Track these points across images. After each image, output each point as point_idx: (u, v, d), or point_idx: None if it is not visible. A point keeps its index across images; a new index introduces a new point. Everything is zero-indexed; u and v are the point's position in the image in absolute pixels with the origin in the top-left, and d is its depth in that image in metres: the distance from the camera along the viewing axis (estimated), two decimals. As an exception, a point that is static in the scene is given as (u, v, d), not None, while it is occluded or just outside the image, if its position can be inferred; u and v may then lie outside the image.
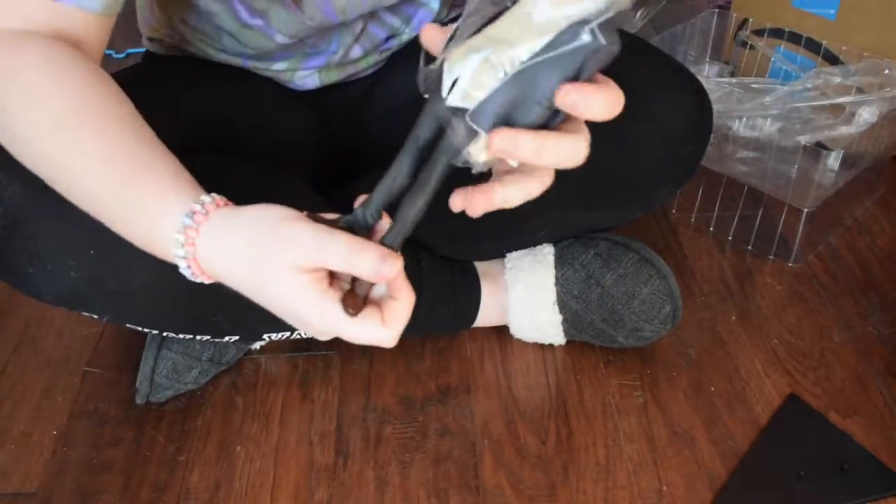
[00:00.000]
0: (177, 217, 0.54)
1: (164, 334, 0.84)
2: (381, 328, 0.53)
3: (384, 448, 0.85)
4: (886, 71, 1.13)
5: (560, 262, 0.91)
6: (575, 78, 0.43)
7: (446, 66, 0.47)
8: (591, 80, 0.44)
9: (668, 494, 0.80)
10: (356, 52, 0.87)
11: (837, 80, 1.13)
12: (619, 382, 0.92)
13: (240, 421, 0.88)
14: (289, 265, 0.50)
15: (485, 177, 0.50)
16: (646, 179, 0.83)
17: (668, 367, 0.93)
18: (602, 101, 0.44)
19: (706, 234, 1.14)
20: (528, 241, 0.92)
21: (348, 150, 0.96)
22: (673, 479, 0.81)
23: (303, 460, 0.84)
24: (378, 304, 0.54)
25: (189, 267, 0.55)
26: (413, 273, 0.88)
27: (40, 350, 0.97)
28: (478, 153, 0.48)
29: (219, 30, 0.82)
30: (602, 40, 0.41)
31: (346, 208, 0.80)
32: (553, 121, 0.46)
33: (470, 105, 0.45)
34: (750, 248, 1.11)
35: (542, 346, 0.96)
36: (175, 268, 0.55)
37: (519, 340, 0.96)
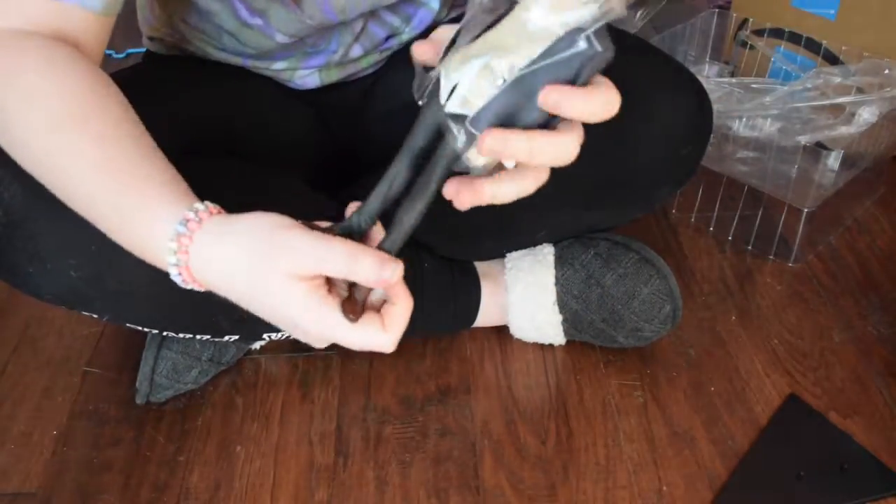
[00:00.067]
0: (170, 224, 0.54)
1: (164, 334, 0.84)
2: (381, 333, 0.53)
3: (384, 448, 0.85)
4: (886, 71, 1.13)
5: (560, 262, 0.91)
6: (571, 83, 0.44)
7: (443, 73, 0.47)
8: (586, 84, 0.44)
9: (668, 494, 0.80)
10: (356, 51, 0.87)
11: (837, 80, 1.13)
12: (619, 382, 0.92)
13: (240, 421, 0.88)
14: (287, 273, 0.50)
15: None
16: (646, 179, 0.83)
17: (668, 367, 0.93)
18: (585, 103, 0.44)
19: (706, 234, 1.14)
20: (528, 241, 0.92)
21: (348, 149, 0.96)
22: (673, 479, 0.81)
23: (303, 460, 0.84)
24: (377, 309, 0.54)
25: (180, 274, 0.55)
26: (414, 273, 0.88)
27: (40, 350, 0.97)
28: (476, 158, 0.48)
29: (219, 29, 0.82)
30: (598, 47, 0.42)
31: (352, 202, 0.80)
32: (551, 125, 0.46)
33: (469, 111, 0.46)
34: (750, 248, 1.11)
35: (542, 346, 0.96)
36: None
37: (519, 340, 0.96)
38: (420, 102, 0.50)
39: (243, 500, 0.80)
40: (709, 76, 1.32)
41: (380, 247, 0.52)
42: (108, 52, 1.45)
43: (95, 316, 0.75)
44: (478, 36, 0.46)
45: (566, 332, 0.93)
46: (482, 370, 0.93)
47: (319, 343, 0.55)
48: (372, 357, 0.94)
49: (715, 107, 0.86)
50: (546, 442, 0.85)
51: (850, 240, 1.13)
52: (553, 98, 0.44)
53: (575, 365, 0.94)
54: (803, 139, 1.06)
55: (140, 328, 0.77)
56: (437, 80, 0.48)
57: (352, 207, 0.54)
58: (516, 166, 0.49)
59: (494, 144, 0.46)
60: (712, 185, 1.12)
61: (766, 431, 0.86)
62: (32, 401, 0.90)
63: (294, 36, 0.81)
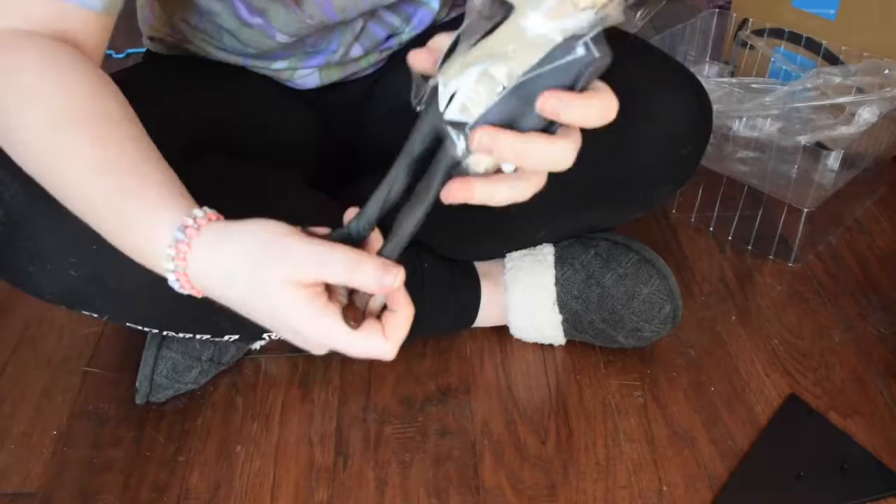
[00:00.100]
0: (168, 231, 0.53)
1: (165, 333, 0.84)
2: (382, 341, 0.52)
3: (384, 448, 0.85)
4: (886, 71, 1.13)
5: (560, 262, 0.91)
6: (570, 89, 0.44)
7: (442, 81, 0.47)
8: (585, 89, 0.44)
9: (668, 494, 0.80)
10: (356, 51, 0.87)
11: (837, 80, 1.13)
12: (619, 382, 0.92)
13: (240, 421, 0.88)
14: (288, 281, 0.50)
15: None
16: (645, 179, 0.83)
17: (668, 367, 0.93)
18: (583, 108, 0.44)
19: (706, 234, 1.14)
20: (527, 241, 0.92)
21: (348, 149, 0.96)
22: (673, 479, 0.81)
23: (303, 460, 0.84)
24: (377, 316, 0.53)
25: (178, 280, 0.54)
26: (414, 273, 0.88)
27: (40, 350, 0.97)
28: (477, 164, 0.49)
29: (219, 28, 0.82)
30: (596, 53, 0.42)
31: (351, 206, 0.80)
32: (550, 131, 0.47)
33: (468, 118, 0.46)
34: (750, 248, 1.11)
35: (542, 346, 0.96)
36: None
37: (519, 340, 0.96)
38: (418, 109, 0.50)
39: (243, 500, 0.80)
40: (709, 76, 1.32)
41: (380, 253, 0.52)
42: (108, 52, 1.45)
43: (96, 315, 0.75)
44: (476, 43, 0.46)
45: (566, 332, 0.93)
46: (482, 370, 0.93)
47: (319, 350, 0.55)
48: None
49: (715, 107, 0.86)
50: (546, 442, 0.85)
51: (850, 240, 1.13)
52: (551, 104, 0.44)
53: (575, 365, 0.94)
54: (803, 139, 1.06)
55: (140, 328, 0.77)
56: (436, 88, 0.48)
57: (350, 213, 0.54)
58: (515, 171, 0.49)
59: (483, 139, 0.46)
60: (712, 185, 1.12)
61: (766, 431, 0.86)
62: (32, 401, 0.90)
63: (294, 35, 0.81)
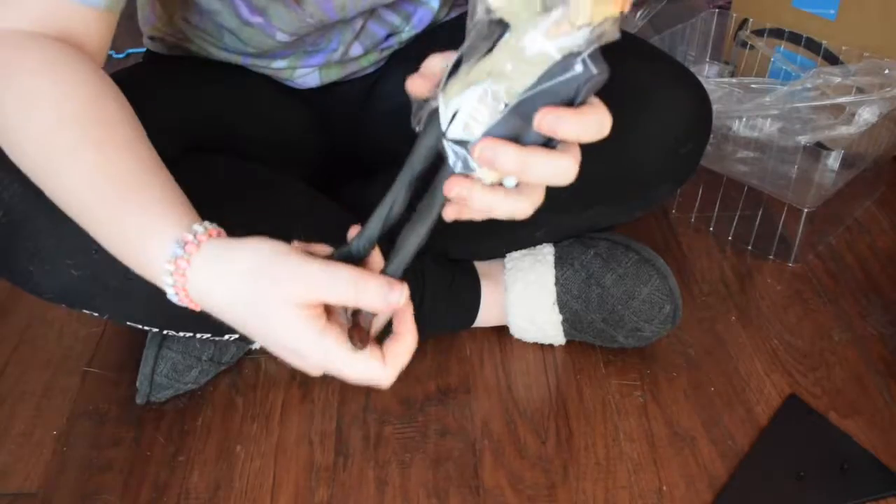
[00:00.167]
0: (167, 246, 0.53)
1: (165, 332, 0.84)
2: (381, 367, 0.52)
3: (384, 448, 0.85)
4: (886, 71, 1.13)
5: (560, 262, 0.91)
6: (569, 105, 0.45)
7: (442, 101, 0.48)
8: (583, 104, 0.45)
9: (668, 494, 0.80)
10: (356, 50, 0.87)
11: (837, 80, 1.13)
12: (619, 382, 0.92)
13: (240, 421, 0.88)
14: (289, 302, 0.49)
15: None
16: (645, 178, 0.83)
17: (668, 367, 0.93)
18: (580, 124, 0.45)
19: (706, 234, 1.14)
20: (527, 240, 0.92)
21: (348, 149, 0.96)
22: (673, 479, 0.81)
23: (303, 460, 0.84)
24: (378, 342, 0.53)
25: (177, 294, 0.54)
26: (414, 273, 0.88)
27: (40, 350, 0.97)
28: (484, 179, 0.49)
29: (220, 27, 0.82)
30: (594, 70, 0.43)
31: (352, 205, 0.81)
32: (550, 146, 0.47)
33: (470, 137, 0.47)
34: (750, 248, 1.11)
35: (542, 346, 0.96)
36: None
37: (519, 340, 0.96)
38: (417, 130, 0.51)
39: (243, 500, 0.80)
40: (709, 76, 1.32)
41: (383, 272, 0.52)
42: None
43: (96, 314, 0.75)
44: (475, 63, 0.47)
45: (566, 332, 0.93)
46: (482, 370, 0.93)
47: (316, 371, 0.54)
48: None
49: (715, 107, 0.86)
50: (546, 442, 0.85)
51: (850, 240, 1.13)
52: (548, 121, 0.45)
53: (575, 365, 0.94)
54: (803, 139, 1.06)
55: (140, 326, 0.77)
56: (436, 108, 0.49)
57: (352, 233, 0.54)
58: (517, 186, 0.49)
59: (486, 152, 0.46)
60: (712, 185, 1.12)
61: (766, 431, 0.86)
62: (32, 401, 0.90)
63: (294, 34, 0.81)
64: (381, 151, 0.91)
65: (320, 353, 0.51)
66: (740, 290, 1.04)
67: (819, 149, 1.07)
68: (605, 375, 0.92)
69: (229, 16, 0.79)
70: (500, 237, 0.92)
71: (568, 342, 0.95)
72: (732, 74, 1.36)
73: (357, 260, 0.53)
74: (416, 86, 0.51)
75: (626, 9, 0.42)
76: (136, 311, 0.75)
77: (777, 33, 1.31)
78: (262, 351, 0.95)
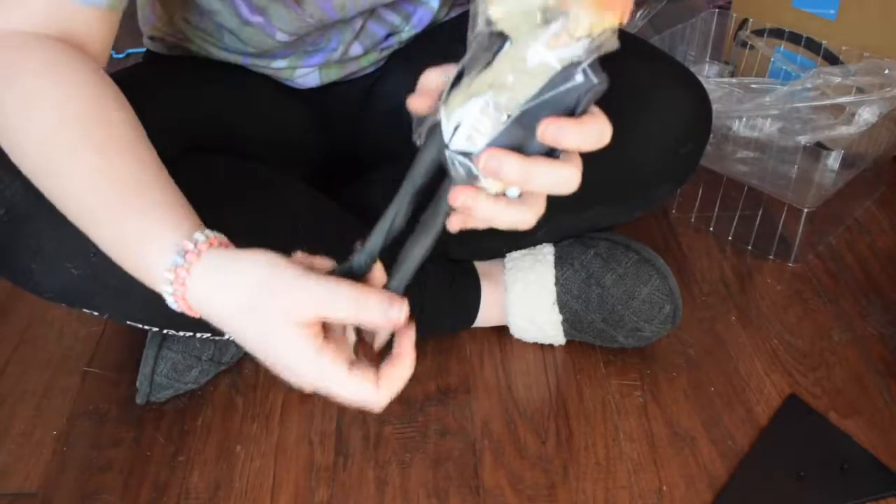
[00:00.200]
0: (168, 254, 0.52)
1: (165, 332, 0.84)
2: (374, 391, 0.51)
3: (384, 448, 0.85)
4: (886, 71, 1.13)
5: (560, 261, 0.91)
6: (570, 114, 0.45)
7: (444, 113, 0.48)
8: (584, 113, 0.46)
9: (667, 494, 0.80)
10: (356, 49, 0.87)
11: (837, 80, 1.13)
12: (619, 382, 0.92)
13: (240, 421, 0.88)
14: (288, 318, 0.49)
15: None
16: (645, 178, 0.83)
17: (668, 367, 0.93)
18: (582, 134, 0.45)
19: (706, 234, 1.14)
20: (527, 240, 0.93)
21: (348, 149, 0.96)
22: (673, 479, 0.81)
23: (303, 460, 0.84)
24: (375, 365, 0.52)
25: (176, 302, 0.54)
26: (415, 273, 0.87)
27: (41, 349, 0.97)
28: (489, 189, 0.49)
29: (220, 27, 0.82)
30: (594, 79, 0.44)
31: (352, 205, 0.80)
32: (552, 156, 0.48)
33: (474, 148, 0.47)
34: (750, 248, 1.11)
35: (542, 346, 0.96)
36: None
37: (519, 340, 0.96)
38: (418, 143, 0.51)
39: (243, 500, 0.80)
40: (709, 76, 1.32)
41: (386, 287, 0.51)
42: (108, 52, 1.45)
43: (96, 313, 0.75)
44: (477, 74, 0.47)
45: (566, 332, 0.93)
46: (482, 370, 0.93)
47: (309, 388, 0.53)
48: (372, 357, 0.94)
49: (715, 107, 0.86)
50: (546, 442, 0.85)
51: (850, 240, 1.13)
52: (551, 131, 0.45)
53: (575, 365, 0.94)
54: (803, 139, 1.06)
55: (141, 326, 0.77)
56: (438, 121, 0.49)
57: (356, 246, 0.53)
58: (520, 197, 0.50)
59: (491, 162, 0.46)
60: (712, 185, 1.12)
61: (766, 431, 0.86)
62: (32, 401, 0.90)
63: (294, 34, 0.81)
64: (380, 151, 0.91)
65: (315, 371, 0.50)
66: (740, 290, 1.04)
67: (819, 149, 1.07)
68: (605, 375, 0.92)
69: (229, 15, 0.79)
70: (499, 237, 0.92)
71: (568, 342, 0.95)
72: (732, 74, 1.36)
73: (359, 275, 0.53)
74: (416, 103, 0.51)
75: (625, 20, 0.43)
76: (136, 311, 0.75)
77: (777, 33, 1.31)
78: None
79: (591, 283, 0.90)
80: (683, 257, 1.10)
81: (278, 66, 0.87)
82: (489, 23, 0.45)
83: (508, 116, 0.46)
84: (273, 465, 0.83)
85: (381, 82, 0.92)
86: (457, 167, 0.48)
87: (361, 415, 0.88)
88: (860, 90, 1.12)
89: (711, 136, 0.86)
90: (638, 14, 1.50)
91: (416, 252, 0.51)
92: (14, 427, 0.87)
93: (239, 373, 0.93)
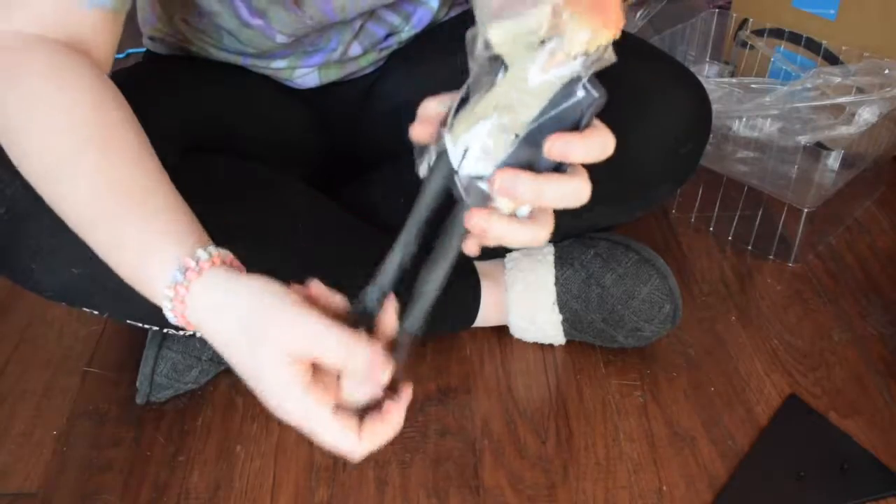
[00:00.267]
0: (169, 269, 0.52)
1: (165, 331, 0.84)
2: (356, 441, 0.50)
3: (384, 448, 0.84)
4: (886, 71, 1.13)
5: (560, 261, 0.91)
6: (574, 128, 0.46)
7: (450, 139, 0.49)
8: (587, 126, 0.47)
9: (667, 494, 0.80)
10: (355, 49, 0.87)
11: (837, 80, 1.13)
12: (619, 382, 0.92)
13: (240, 421, 0.88)
14: (281, 349, 0.48)
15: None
16: (645, 178, 0.83)
17: (668, 367, 0.93)
18: (587, 147, 0.46)
19: (706, 234, 1.14)
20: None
21: (348, 149, 0.96)
22: (673, 479, 0.81)
23: (303, 460, 0.84)
24: (360, 414, 0.51)
25: (175, 317, 0.53)
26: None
27: (41, 349, 0.97)
28: (502, 208, 0.50)
29: (219, 29, 0.82)
30: (595, 93, 0.45)
31: (352, 205, 0.80)
32: (560, 170, 0.49)
33: (484, 171, 0.48)
34: (750, 248, 1.11)
35: (542, 346, 0.96)
36: None
37: (519, 340, 0.96)
38: (422, 175, 0.51)
39: (243, 500, 0.80)
40: (709, 76, 1.32)
41: (402, 324, 0.51)
42: (108, 52, 1.45)
43: (96, 312, 0.75)
44: (479, 99, 0.48)
45: (566, 332, 0.93)
46: (482, 370, 0.93)
47: (293, 424, 0.52)
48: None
49: (715, 107, 0.86)
50: (546, 442, 0.85)
51: (850, 240, 1.13)
52: (558, 147, 0.46)
53: (575, 365, 0.94)
54: (803, 139, 1.06)
55: (141, 325, 0.77)
56: (443, 150, 0.49)
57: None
58: (530, 215, 0.50)
59: (505, 182, 0.47)
60: (712, 185, 1.12)
61: (766, 431, 0.86)
62: (32, 401, 0.90)
63: (293, 35, 0.81)
64: (380, 151, 0.92)
65: (300, 410, 0.49)
66: (740, 290, 1.04)
67: (819, 149, 1.07)
68: (605, 375, 0.92)
69: (229, 17, 0.79)
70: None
71: (568, 342, 0.95)
72: (732, 74, 1.36)
73: (373, 315, 0.52)
74: (419, 131, 0.51)
75: (618, 34, 0.44)
76: (137, 310, 0.75)
77: (777, 33, 1.31)
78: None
79: (591, 283, 0.90)
80: (683, 257, 1.10)
81: (278, 67, 0.87)
82: (488, 46, 0.46)
83: (516, 136, 0.47)
84: (273, 465, 0.83)
85: (380, 82, 0.92)
86: (469, 191, 0.49)
87: (361, 415, 0.88)
88: (860, 90, 1.12)
89: (711, 136, 0.86)
90: (638, 14, 1.50)
91: (432, 283, 0.51)
92: (14, 427, 0.87)
93: (239, 373, 0.93)
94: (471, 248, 0.51)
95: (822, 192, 1.07)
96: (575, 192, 0.49)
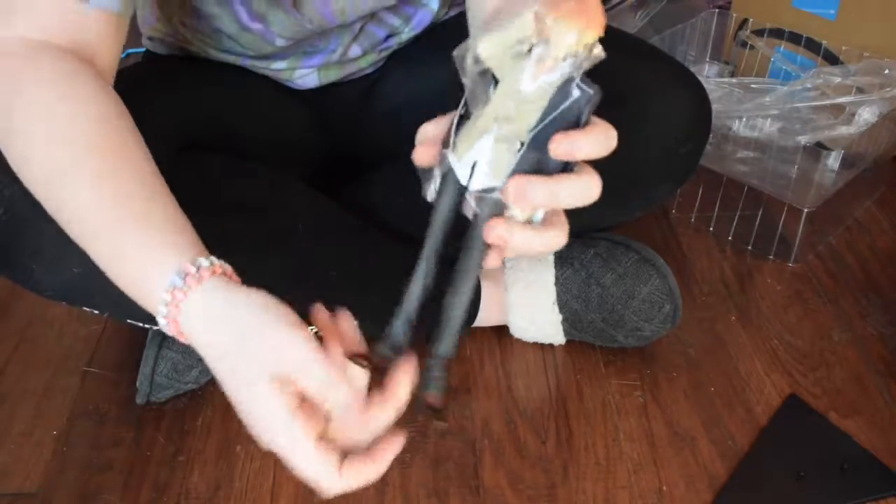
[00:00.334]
0: (167, 274, 0.51)
1: (165, 332, 0.84)
2: (335, 477, 0.49)
3: (384, 448, 0.85)
4: (886, 71, 1.13)
5: (560, 261, 0.91)
6: (576, 126, 0.47)
7: (455, 158, 0.49)
8: (587, 123, 0.47)
9: (667, 494, 0.80)
10: (355, 51, 0.87)
11: (837, 80, 1.13)
12: (619, 382, 0.92)
13: (240, 421, 0.87)
14: (269, 365, 0.48)
15: None
16: (645, 177, 0.83)
17: (668, 367, 0.93)
18: (591, 142, 0.47)
19: (706, 234, 1.14)
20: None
21: (348, 149, 0.96)
22: (673, 479, 0.81)
23: (303, 460, 0.84)
24: (343, 452, 0.50)
25: (168, 325, 0.53)
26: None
27: (41, 349, 0.97)
28: (518, 217, 0.50)
29: (218, 32, 0.82)
30: (590, 91, 0.45)
31: (352, 205, 0.80)
32: (566, 170, 0.49)
33: (495, 183, 0.48)
34: (750, 248, 1.11)
35: (542, 346, 0.96)
36: None
37: (519, 340, 0.96)
38: (430, 199, 0.51)
39: (243, 500, 0.80)
40: (709, 76, 1.32)
41: (435, 353, 0.51)
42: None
43: (96, 312, 0.74)
44: (477, 114, 0.48)
45: (566, 332, 0.93)
46: (482, 370, 0.93)
47: (273, 449, 0.51)
48: (372, 357, 0.94)
49: (715, 107, 0.86)
50: (546, 442, 0.85)
51: (850, 240, 1.13)
52: (563, 146, 0.46)
53: (575, 365, 0.94)
54: (803, 139, 1.06)
55: (141, 324, 0.77)
56: (448, 171, 0.50)
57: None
58: (544, 220, 0.50)
59: (517, 189, 0.47)
60: (712, 185, 1.12)
61: (766, 431, 0.86)
62: (32, 401, 0.90)
63: (293, 39, 0.81)
64: (380, 151, 0.91)
65: (285, 434, 0.48)
66: (740, 290, 1.04)
67: (819, 149, 1.07)
68: (605, 375, 0.92)
69: (229, 21, 0.79)
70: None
71: (568, 342, 0.95)
72: (732, 74, 1.36)
73: (402, 346, 0.52)
74: (422, 155, 0.51)
75: (602, 32, 0.44)
76: (137, 310, 0.74)
77: (777, 33, 1.31)
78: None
79: (590, 283, 0.90)
80: (683, 257, 1.10)
81: (277, 68, 0.87)
82: (477, 61, 0.46)
83: (521, 144, 0.47)
84: (273, 465, 0.83)
85: (380, 83, 0.92)
86: (481, 206, 0.49)
87: (361, 415, 0.88)
88: (860, 90, 1.12)
89: (711, 136, 0.86)
90: (638, 14, 1.50)
91: (458, 308, 0.51)
92: (14, 427, 0.87)
93: (239, 373, 0.93)
94: (493, 261, 0.51)
95: (822, 192, 1.07)
96: (587, 188, 0.49)
